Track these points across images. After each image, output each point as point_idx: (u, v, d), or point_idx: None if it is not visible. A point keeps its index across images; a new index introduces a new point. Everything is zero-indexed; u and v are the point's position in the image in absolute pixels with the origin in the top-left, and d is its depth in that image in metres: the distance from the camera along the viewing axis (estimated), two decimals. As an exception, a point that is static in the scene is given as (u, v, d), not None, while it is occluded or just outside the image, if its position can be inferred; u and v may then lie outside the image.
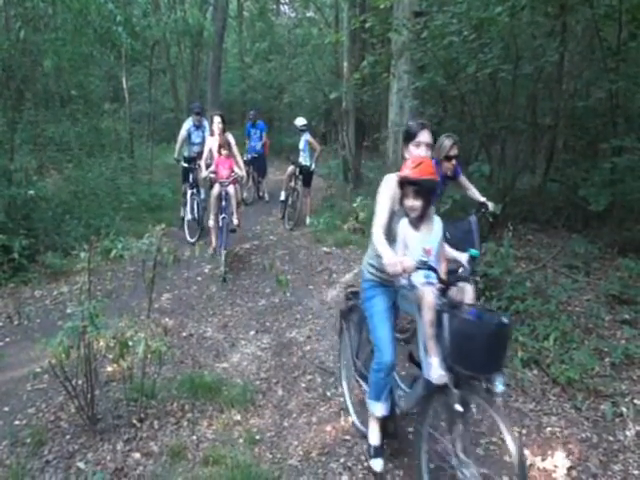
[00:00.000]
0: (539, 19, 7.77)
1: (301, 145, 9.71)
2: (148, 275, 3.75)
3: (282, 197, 10.08)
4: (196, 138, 9.00)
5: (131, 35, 8.85)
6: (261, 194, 12.29)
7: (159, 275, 3.97)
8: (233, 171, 7.27)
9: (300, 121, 9.93)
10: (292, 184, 9.79)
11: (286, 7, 28.20)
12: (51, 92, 13.79)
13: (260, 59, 23.49)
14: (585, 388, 4.15)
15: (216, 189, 7.21)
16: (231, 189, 7.19)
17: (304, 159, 9.65)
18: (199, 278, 6.89)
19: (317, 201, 11.11)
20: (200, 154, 8.82)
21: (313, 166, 9.70)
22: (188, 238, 8.35)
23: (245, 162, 11.56)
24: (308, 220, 9.71)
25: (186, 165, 8.80)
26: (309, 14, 24.41)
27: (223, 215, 7.06)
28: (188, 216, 8.60)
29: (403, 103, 8.72)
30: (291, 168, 9.78)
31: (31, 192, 6.80)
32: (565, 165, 8.84)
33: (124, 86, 12.48)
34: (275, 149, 17.28)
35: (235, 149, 7.59)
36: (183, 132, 8.98)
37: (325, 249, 8.18)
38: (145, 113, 16.61)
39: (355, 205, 9.27)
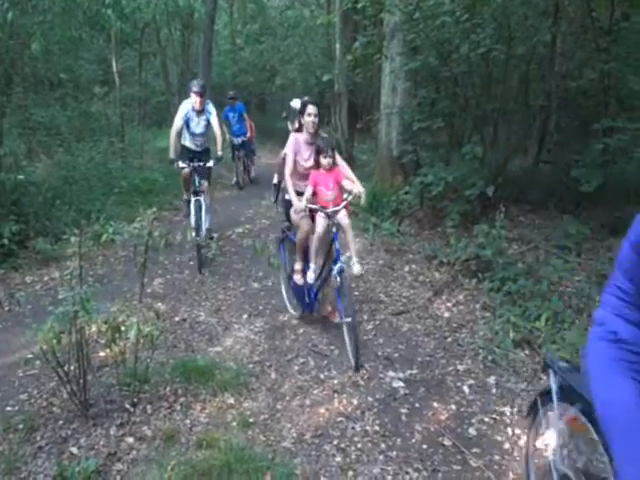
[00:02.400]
0: (532, -1, 7.71)
1: None
2: (140, 259, 3.73)
3: (274, 181, 10.00)
4: (197, 127, 6.90)
5: (120, 17, 8.72)
6: (252, 176, 12.23)
7: (151, 260, 3.96)
8: (343, 189, 4.71)
9: (297, 103, 9.75)
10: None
11: (277, -12, 27.86)
12: (40, 76, 13.60)
13: (252, 41, 23.27)
14: (576, 368, 4.19)
15: (321, 224, 4.58)
16: (345, 218, 4.65)
17: (298, 142, 9.54)
18: (191, 262, 6.85)
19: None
20: (207, 149, 7.24)
21: (306, 150, 9.60)
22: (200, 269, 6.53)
23: (235, 147, 11.46)
24: (300, 203, 9.62)
25: (185, 166, 6.73)
26: (301, -5, 24.14)
27: (339, 265, 4.42)
28: (193, 234, 5.83)
29: (395, 85, 8.68)
30: (284, 152, 9.67)
31: (20, 177, 6.73)
32: (557, 146, 8.84)
33: (114, 69, 12.37)
34: (267, 132, 17.15)
35: (337, 154, 5.02)
36: (178, 121, 6.72)
37: (318, 232, 8.13)
38: (136, 97, 16.45)
39: (348, 188, 9.19)
